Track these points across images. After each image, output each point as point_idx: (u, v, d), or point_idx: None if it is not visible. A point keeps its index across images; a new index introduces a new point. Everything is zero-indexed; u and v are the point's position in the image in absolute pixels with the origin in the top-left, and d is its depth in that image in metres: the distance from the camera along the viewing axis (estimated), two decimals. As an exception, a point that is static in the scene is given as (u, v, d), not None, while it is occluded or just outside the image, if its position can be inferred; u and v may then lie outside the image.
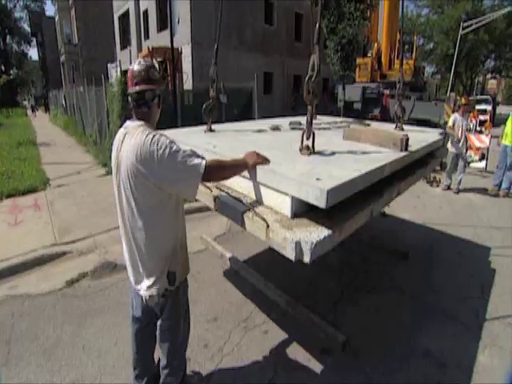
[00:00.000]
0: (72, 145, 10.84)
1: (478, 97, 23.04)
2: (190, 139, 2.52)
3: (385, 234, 4.51)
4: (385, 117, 11.40)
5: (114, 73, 10.97)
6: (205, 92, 9.05)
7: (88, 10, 26.51)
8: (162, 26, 15.14)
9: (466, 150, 6.68)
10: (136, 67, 1.44)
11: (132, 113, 1.50)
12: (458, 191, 6.51)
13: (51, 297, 3.01)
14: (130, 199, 1.43)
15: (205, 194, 2.00)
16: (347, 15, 12.36)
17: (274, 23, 17.17)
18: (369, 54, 14.15)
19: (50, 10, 39.58)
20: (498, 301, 3.07)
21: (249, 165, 1.60)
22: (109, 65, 12.77)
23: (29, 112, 25.92)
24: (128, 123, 1.50)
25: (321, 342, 2.45)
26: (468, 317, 2.83)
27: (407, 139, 2.13)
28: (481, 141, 8.23)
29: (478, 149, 8.27)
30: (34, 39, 38.83)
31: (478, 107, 15.64)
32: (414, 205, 5.73)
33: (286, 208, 1.55)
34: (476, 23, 17.37)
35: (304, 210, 1.56)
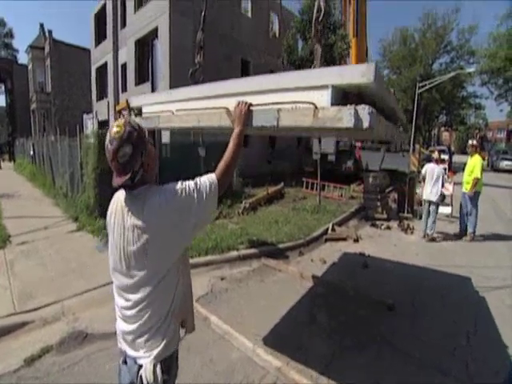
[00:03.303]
0: (39, 197, 10.28)
1: (437, 147, 25.30)
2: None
3: (368, 285, 4.47)
4: (357, 168, 12.06)
5: (89, 124, 10.95)
6: (181, 145, 9.16)
7: (64, 60, 26.92)
8: (140, 80, 15.52)
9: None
10: (108, 156, 1.32)
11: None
12: (433, 238, 6.72)
13: (2, 382, 2.58)
14: (143, 260, 1.34)
15: (221, 113, 1.98)
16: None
17: (250, 80, 18.17)
18: None
19: (23, 57, 39.81)
20: (483, 348, 3.11)
21: (243, 129, 1.65)
22: (84, 115, 12.76)
23: (-9, 161, 24.79)
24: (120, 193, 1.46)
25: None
26: (459, 370, 2.80)
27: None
28: (445, 188, 8.79)
29: None
30: (3, 85, 38.46)
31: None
32: (393, 253, 5.83)
33: (323, 101, 1.56)
34: (429, 84, 19.57)
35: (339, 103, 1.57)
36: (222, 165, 1.50)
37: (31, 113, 30.14)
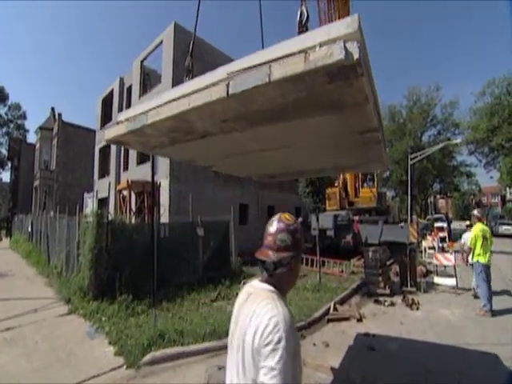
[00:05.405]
0: (32, 276, 10.00)
1: (435, 216, 25.69)
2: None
3: (376, 371, 4.16)
4: (356, 242, 12.02)
5: (89, 202, 11.20)
6: (180, 225, 9.30)
7: (70, 139, 28.64)
8: (141, 160, 16.29)
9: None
10: (270, 229, 1.41)
11: (262, 275, 1.42)
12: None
13: None
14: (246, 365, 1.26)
15: (212, 88, 1.86)
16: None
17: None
18: (336, 184, 15.79)
19: (31, 136, 42.45)
20: None
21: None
22: (85, 194, 13.09)
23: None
24: (256, 283, 1.41)
25: None
26: None
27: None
28: (447, 260, 8.71)
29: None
30: (10, 163, 40.16)
31: (436, 225, 17.02)
32: (399, 332, 5.54)
33: None
34: (420, 155, 20.73)
35: None
36: None
37: (33, 189, 30.95)
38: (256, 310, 1.26)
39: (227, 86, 1.81)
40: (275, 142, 3.09)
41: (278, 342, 1.15)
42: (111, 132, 3.06)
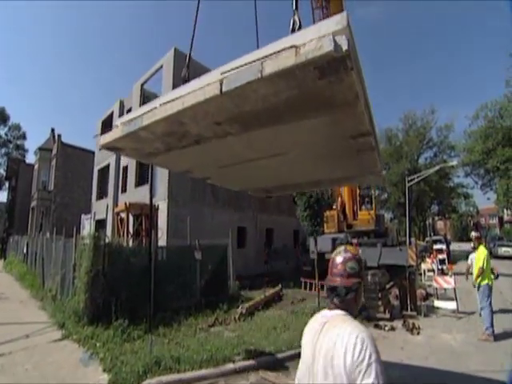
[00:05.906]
0: (25, 299, 9.81)
1: (433, 237, 25.59)
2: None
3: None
4: None
5: (87, 224, 11.14)
6: (178, 248, 9.26)
7: (69, 160, 28.80)
8: (140, 182, 16.39)
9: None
10: (338, 259, 1.52)
11: (332, 303, 1.52)
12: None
13: None
14: None
15: (206, 87, 1.89)
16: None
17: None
18: (334, 207, 15.81)
19: (31, 156, 42.65)
20: None
21: None
22: (83, 216, 13.04)
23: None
24: (326, 312, 1.51)
25: None
26: None
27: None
28: (447, 282, 8.62)
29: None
30: (7, 183, 39.97)
31: (435, 247, 16.92)
32: (400, 358, 5.42)
33: None
34: (417, 177, 20.93)
35: None
36: None
37: (30, 210, 30.74)
38: (339, 332, 1.33)
39: (221, 83, 1.88)
40: (270, 149, 3.12)
41: (370, 357, 1.24)
42: (107, 137, 3.07)
